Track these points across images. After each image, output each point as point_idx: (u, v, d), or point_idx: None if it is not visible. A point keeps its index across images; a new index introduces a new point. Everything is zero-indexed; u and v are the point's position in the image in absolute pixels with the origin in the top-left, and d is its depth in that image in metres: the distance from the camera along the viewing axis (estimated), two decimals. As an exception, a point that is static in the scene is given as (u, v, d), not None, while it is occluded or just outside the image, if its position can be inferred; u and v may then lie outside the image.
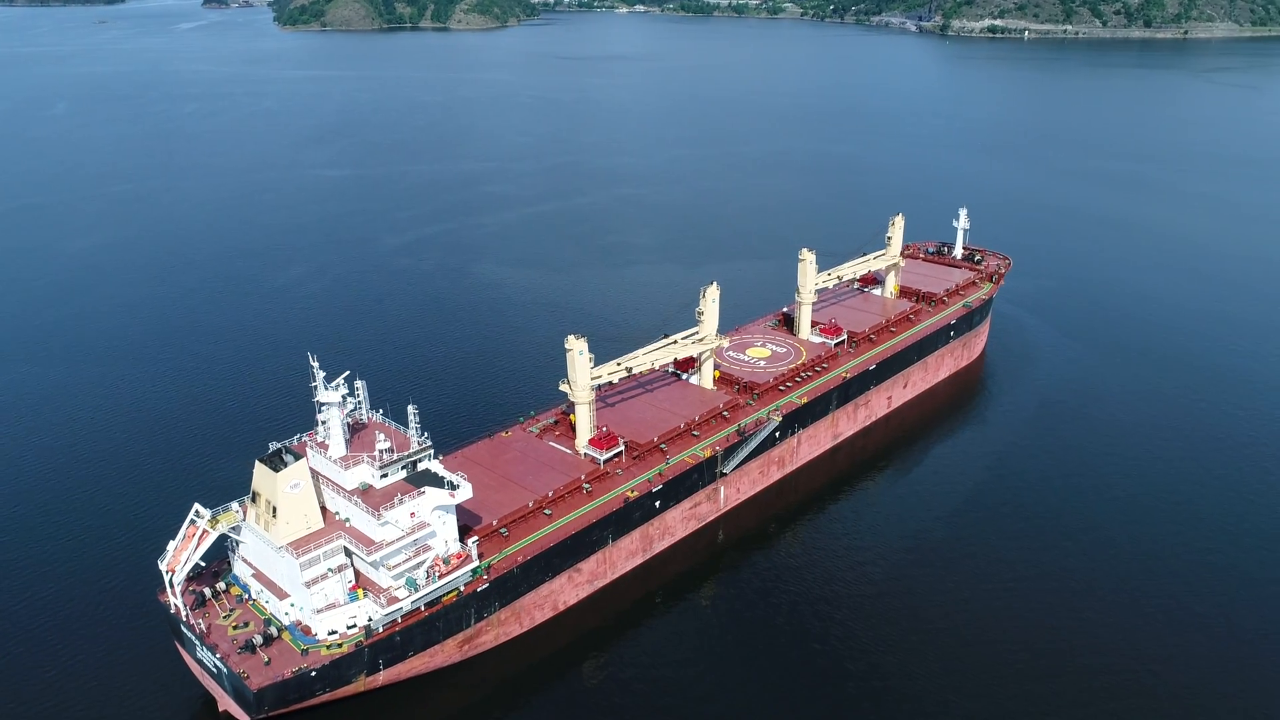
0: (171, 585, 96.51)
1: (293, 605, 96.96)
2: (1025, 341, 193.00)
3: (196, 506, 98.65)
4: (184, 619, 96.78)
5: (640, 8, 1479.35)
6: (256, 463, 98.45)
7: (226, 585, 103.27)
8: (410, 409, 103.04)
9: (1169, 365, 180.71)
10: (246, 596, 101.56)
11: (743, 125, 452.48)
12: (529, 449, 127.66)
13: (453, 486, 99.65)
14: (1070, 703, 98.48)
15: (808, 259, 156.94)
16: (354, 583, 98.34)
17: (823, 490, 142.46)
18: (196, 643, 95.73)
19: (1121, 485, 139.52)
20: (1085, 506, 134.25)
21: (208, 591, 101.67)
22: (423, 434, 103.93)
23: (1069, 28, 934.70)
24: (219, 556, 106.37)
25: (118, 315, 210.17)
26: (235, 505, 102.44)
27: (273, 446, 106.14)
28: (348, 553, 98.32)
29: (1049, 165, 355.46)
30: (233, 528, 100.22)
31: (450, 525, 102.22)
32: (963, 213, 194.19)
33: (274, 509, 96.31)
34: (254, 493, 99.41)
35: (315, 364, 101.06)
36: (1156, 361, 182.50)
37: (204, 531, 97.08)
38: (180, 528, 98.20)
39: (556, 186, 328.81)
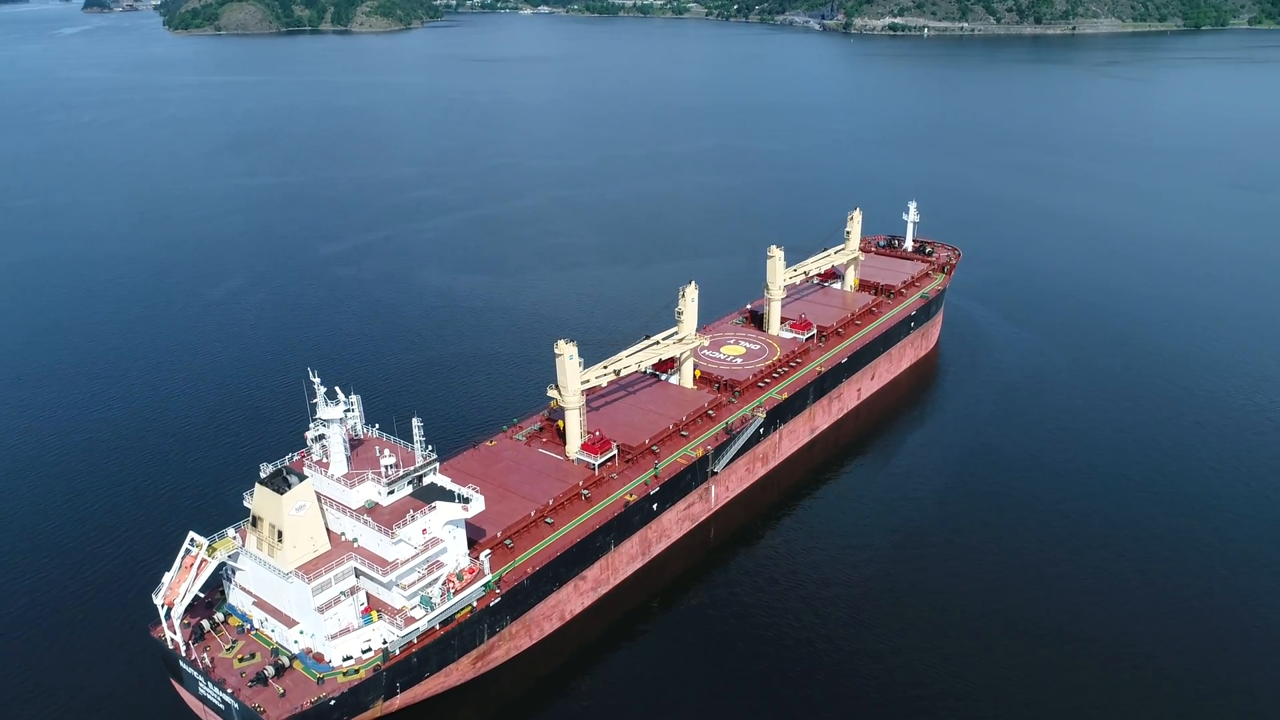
0: (170, 619, 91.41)
1: (302, 632, 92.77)
2: (975, 329, 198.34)
3: (192, 535, 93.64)
4: (184, 654, 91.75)
5: (545, 9, 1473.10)
6: (257, 486, 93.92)
7: (224, 616, 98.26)
8: (415, 422, 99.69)
9: (1108, 344, 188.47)
10: (248, 626, 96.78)
11: (667, 124, 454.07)
12: (520, 457, 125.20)
13: (465, 500, 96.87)
14: (1053, 670, 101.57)
15: (776, 255, 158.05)
16: (365, 605, 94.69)
17: (803, 484, 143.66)
18: (200, 679, 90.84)
19: (1083, 459, 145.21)
20: (1052, 484, 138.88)
21: (206, 624, 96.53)
22: (427, 447, 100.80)
23: (965, 25, 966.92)
24: (211, 586, 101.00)
25: (43, 339, 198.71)
26: (231, 531, 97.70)
27: (265, 469, 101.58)
28: (358, 574, 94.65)
29: (972, 158, 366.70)
30: (231, 555, 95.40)
31: (461, 540, 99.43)
32: (912, 206, 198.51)
33: (279, 533, 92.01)
34: (254, 517, 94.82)
35: (316, 379, 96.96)
36: (1096, 340, 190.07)
37: (202, 561, 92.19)
38: (175, 558, 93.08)
39: (491, 190, 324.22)
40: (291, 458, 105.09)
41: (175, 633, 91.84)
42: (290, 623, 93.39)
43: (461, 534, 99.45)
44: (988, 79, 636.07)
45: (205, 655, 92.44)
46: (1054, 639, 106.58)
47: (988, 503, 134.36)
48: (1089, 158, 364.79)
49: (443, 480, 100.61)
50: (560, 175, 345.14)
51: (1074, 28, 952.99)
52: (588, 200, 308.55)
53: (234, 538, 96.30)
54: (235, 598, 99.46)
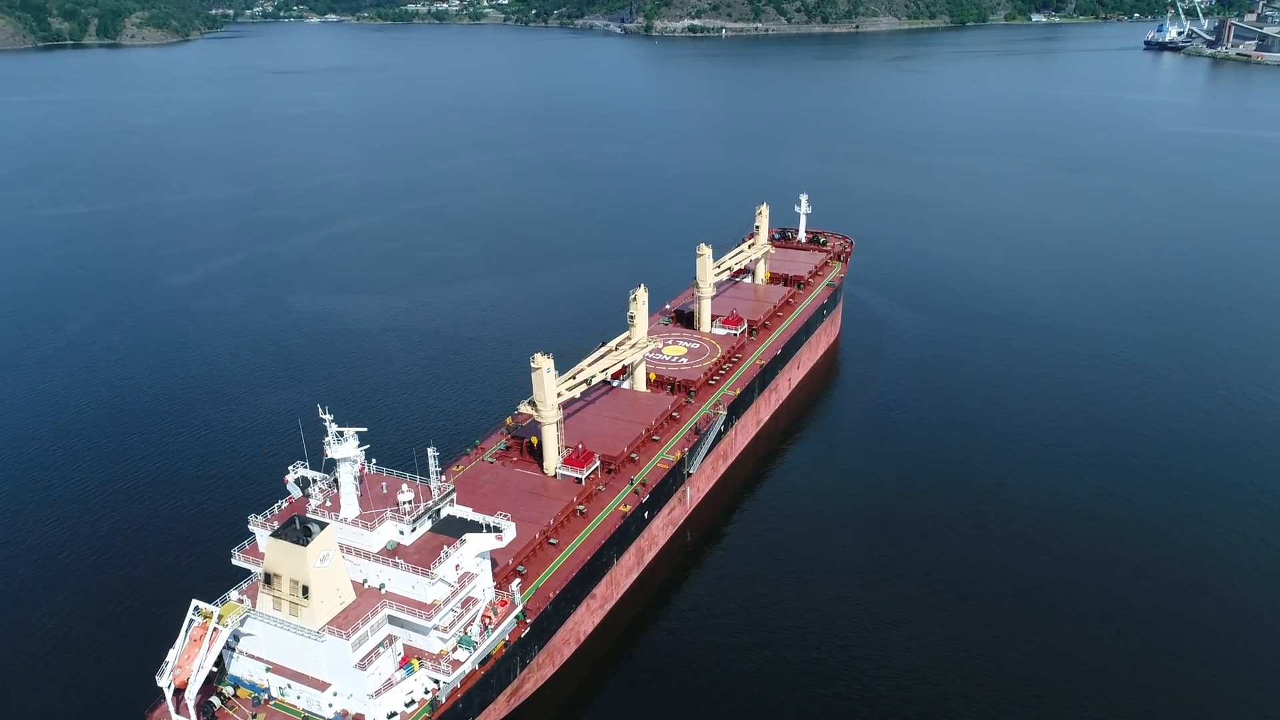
0: (183, 702, 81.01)
1: (336, 694, 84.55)
2: (869, 313, 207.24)
3: (196, 603, 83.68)
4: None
5: (332, 17, 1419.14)
6: (271, 539, 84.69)
7: (233, 688, 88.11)
8: (430, 451, 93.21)
9: (979, 313, 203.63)
10: (264, 696, 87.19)
11: (503, 131, 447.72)
12: (499, 479, 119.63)
13: (497, 530, 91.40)
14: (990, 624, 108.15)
15: (705, 254, 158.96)
16: (403, 655, 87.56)
17: (755, 475, 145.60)
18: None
19: (1001, 424, 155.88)
20: (978, 449, 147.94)
21: (216, 700, 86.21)
22: (442, 476, 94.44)
23: (760, 25, 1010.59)
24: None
25: None
26: (234, 594, 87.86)
27: (257, 521, 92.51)
28: (392, 622, 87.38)
29: (813, 151, 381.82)
30: (242, 620, 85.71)
31: (488, 572, 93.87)
32: (804, 198, 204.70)
33: (304, 589, 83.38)
34: (267, 575, 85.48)
35: (328, 417, 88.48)
36: (969, 311, 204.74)
37: (214, 630, 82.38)
38: (180, 632, 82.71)
39: (337, 205, 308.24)
40: (280, 505, 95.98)
41: (191, 716, 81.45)
42: (321, 686, 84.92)
43: (488, 565, 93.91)
44: (796, 76, 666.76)
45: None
46: (991, 596, 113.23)
47: (920, 469, 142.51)
48: (913, 147, 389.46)
49: (462, 511, 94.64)
50: (408, 187, 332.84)
51: (857, 26, 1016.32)
52: (449, 211, 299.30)
53: (239, 601, 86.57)
54: (240, 667, 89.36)
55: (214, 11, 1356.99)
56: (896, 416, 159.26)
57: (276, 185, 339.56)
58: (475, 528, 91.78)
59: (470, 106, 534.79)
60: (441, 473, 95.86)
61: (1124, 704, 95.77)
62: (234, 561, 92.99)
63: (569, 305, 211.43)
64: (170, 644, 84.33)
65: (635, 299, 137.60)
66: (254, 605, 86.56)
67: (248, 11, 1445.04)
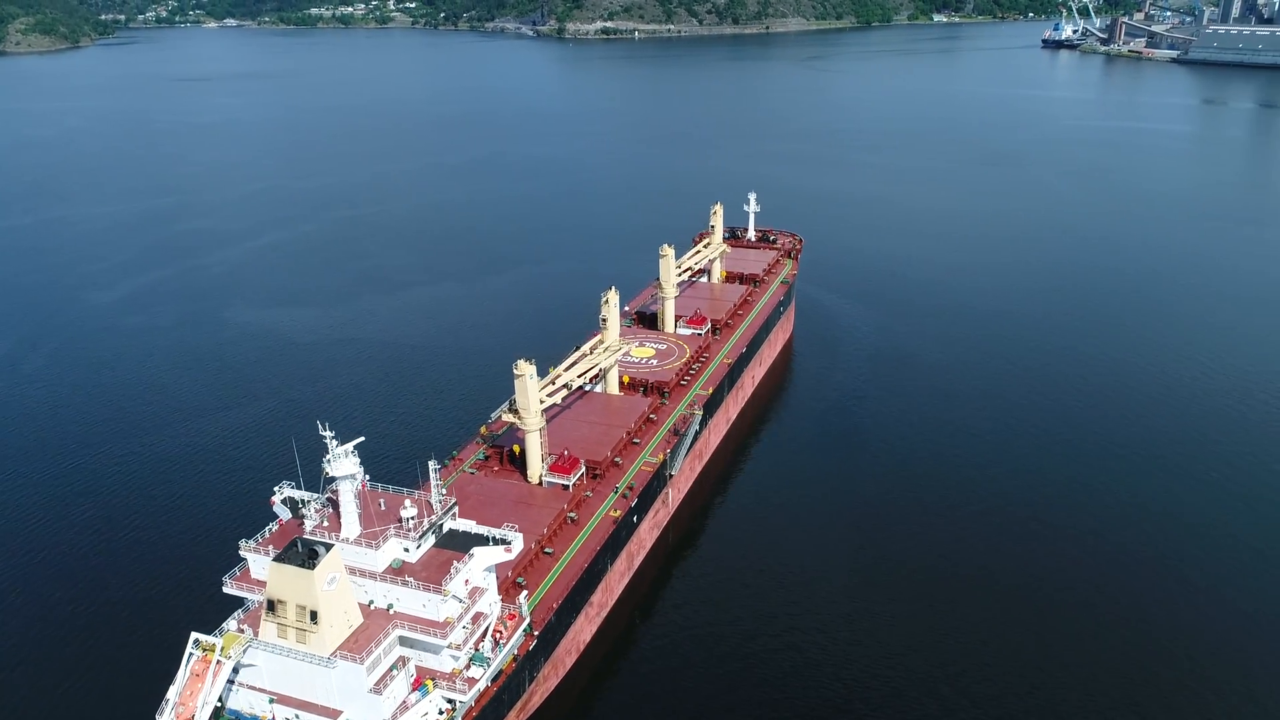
0: (189, 741, 76.84)
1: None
2: (815, 308, 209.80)
3: (195, 636, 79.55)
4: (210, 778, 77.60)
5: (231, 21, 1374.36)
6: (273, 564, 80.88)
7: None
8: (431, 465, 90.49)
9: (926, 306, 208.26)
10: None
11: (426, 136, 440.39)
12: (484, 490, 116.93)
13: (505, 542, 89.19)
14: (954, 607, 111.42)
15: (669, 254, 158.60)
16: (415, 676, 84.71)
17: (728, 473, 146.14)
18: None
19: (953, 410, 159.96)
20: (934, 436, 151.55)
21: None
22: (442, 489, 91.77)
23: (672, 27, 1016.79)
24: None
25: None
26: (232, 624, 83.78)
27: (245, 546, 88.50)
28: (403, 642, 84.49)
29: (744, 150, 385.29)
30: (244, 650, 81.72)
31: (494, 585, 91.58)
32: (752, 197, 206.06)
33: (312, 614, 79.88)
34: (270, 601, 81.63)
35: (329, 434, 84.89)
36: (913, 305, 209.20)
37: (218, 663, 78.43)
38: (179, 667, 78.49)
39: (267, 215, 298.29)
40: (271, 528, 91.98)
41: (198, 755, 77.28)
42: (332, 714, 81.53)
43: (493, 578, 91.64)
44: (716, 76, 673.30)
45: (235, 773, 78.77)
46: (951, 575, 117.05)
47: (880, 456, 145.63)
48: (839, 145, 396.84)
49: (464, 524, 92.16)
50: (337, 194, 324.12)
51: (768, 27, 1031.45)
52: (384, 218, 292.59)
53: (239, 630, 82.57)
54: (241, 700, 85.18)
55: (104, 17, 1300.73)
56: (855, 407, 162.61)
57: (196, 196, 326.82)
58: (481, 541, 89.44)
59: (389, 111, 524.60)
60: (442, 486, 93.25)
61: (1089, 676, 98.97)
62: (226, 590, 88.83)
63: (523, 310, 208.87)
64: (167, 680, 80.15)
65: (607, 301, 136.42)
66: (256, 634, 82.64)
67: (140, 17, 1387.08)
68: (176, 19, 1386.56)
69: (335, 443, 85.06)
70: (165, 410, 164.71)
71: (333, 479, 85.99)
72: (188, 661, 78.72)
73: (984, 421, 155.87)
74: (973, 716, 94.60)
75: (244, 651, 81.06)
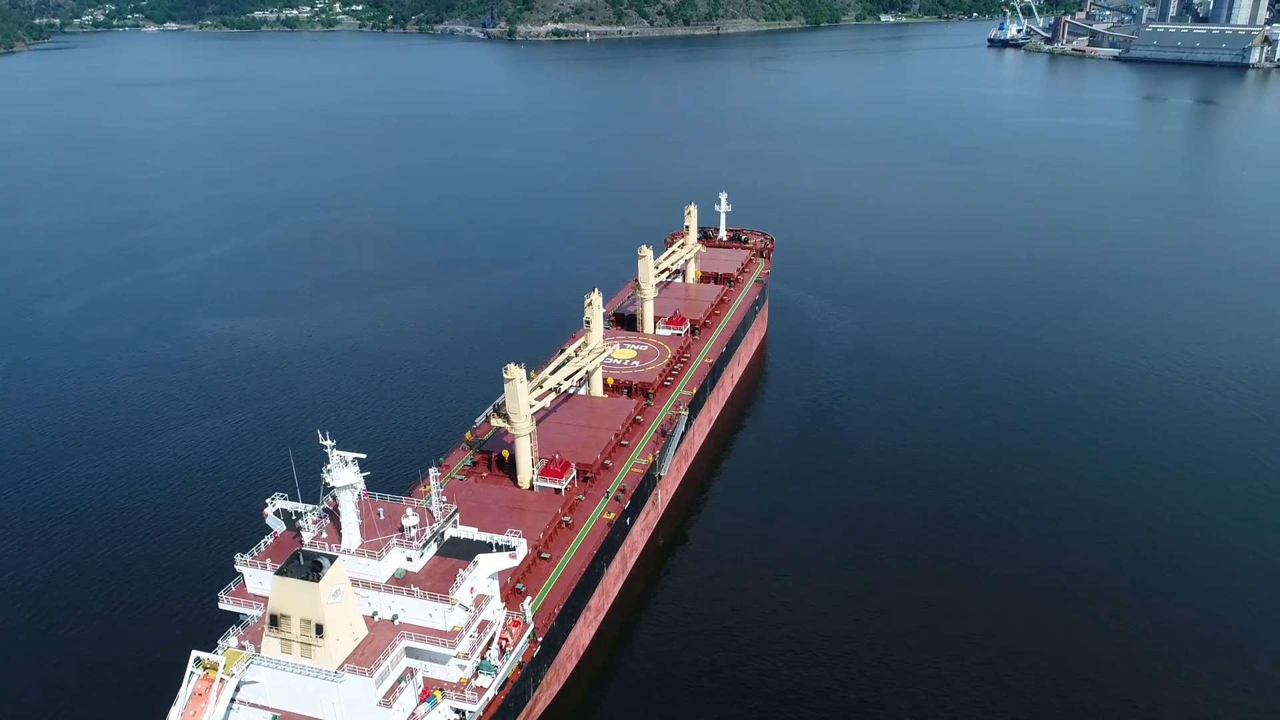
0: (194, 763, 74.79)
1: (357, 735, 79.84)
2: (791, 307, 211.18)
3: (196, 654, 77.53)
4: (217, 800, 75.58)
5: (172, 25, 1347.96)
6: (276, 578, 79.00)
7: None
8: (432, 472, 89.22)
9: (896, 304, 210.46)
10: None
11: (384, 140, 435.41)
12: (476, 496, 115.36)
13: (509, 548, 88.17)
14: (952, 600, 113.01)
15: (647, 255, 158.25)
16: (423, 687, 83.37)
17: (711, 473, 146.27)
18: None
19: (928, 403, 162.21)
20: (910, 428, 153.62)
21: (222, 757, 79.87)
22: (442, 496, 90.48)
23: (623, 28, 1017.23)
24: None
25: None
26: (232, 641, 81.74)
27: (241, 560, 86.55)
28: (409, 653, 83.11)
29: (698, 150, 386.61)
30: (247, 666, 79.75)
31: (498, 592, 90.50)
32: (723, 197, 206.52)
33: (318, 627, 78.21)
34: (273, 616, 79.74)
35: (329, 442, 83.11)
36: (885, 302, 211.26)
37: (221, 681, 76.48)
38: (181, 687, 76.39)
39: (225, 221, 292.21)
40: (266, 541, 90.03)
41: (203, 777, 75.24)
42: (339, 729, 80.00)
43: (496, 585, 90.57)
44: (669, 77, 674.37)
45: (241, 793, 76.82)
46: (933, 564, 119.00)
47: (860, 450, 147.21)
48: (799, 144, 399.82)
49: (465, 531, 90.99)
50: (296, 199, 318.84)
51: (718, 28, 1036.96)
52: (346, 223, 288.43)
53: (240, 647, 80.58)
54: (241, 718, 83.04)
55: (38, 21, 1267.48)
56: (831, 403, 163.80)
57: (150, 203, 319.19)
58: (485, 548, 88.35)
59: (342, 115, 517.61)
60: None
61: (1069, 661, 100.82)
62: (222, 605, 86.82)
63: (496, 313, 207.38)
64: (165, 701, 78.13)
65: (590, 303, 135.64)
66: (258, 650, 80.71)
67: (76, 21, 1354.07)
68: (115, 23, 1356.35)
69: (335, 453, 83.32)
70: (134, 424, 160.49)
71: (330, 489, 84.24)
72: (189, 680, 76.68)
73: (956, 413, 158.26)
74: (958, 704, 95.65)
75: (247, 668, 79.13)
